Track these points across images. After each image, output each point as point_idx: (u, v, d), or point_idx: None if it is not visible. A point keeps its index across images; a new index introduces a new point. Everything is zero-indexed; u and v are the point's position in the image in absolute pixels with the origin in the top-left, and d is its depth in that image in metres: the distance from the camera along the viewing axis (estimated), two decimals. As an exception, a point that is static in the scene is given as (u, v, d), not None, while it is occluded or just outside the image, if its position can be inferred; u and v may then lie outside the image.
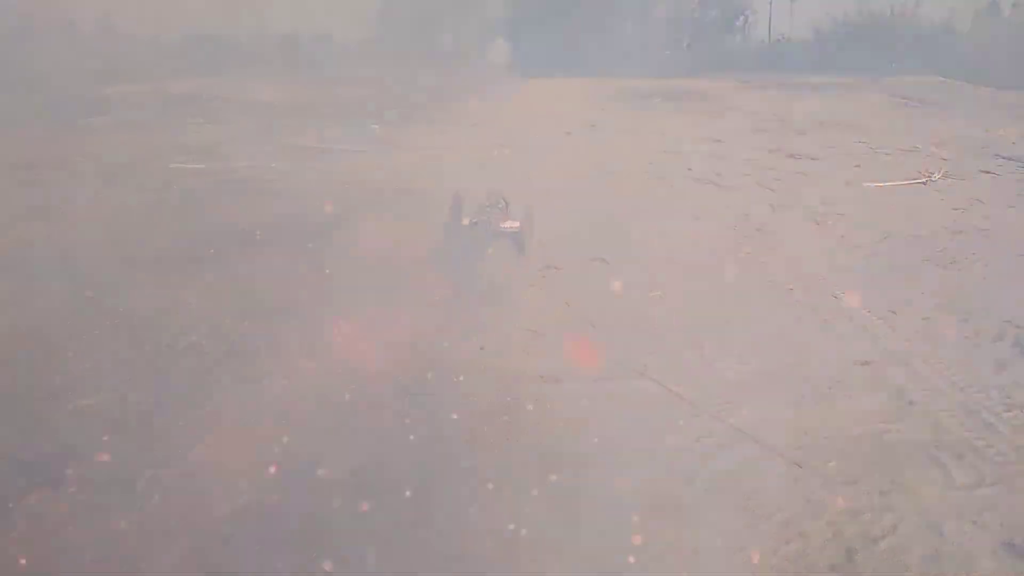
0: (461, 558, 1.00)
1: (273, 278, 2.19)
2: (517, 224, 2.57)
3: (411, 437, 1.30)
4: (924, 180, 3.76)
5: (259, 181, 3.59)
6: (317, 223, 2.79)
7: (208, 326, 1.79)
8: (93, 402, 1.43)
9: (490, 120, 7.72)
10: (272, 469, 1.20)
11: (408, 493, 1.14)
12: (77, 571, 1.01)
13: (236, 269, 2.26)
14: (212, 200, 3.22)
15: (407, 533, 1.05)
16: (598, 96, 12.02)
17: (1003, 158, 4.57)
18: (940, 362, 1.59)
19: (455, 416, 1.37)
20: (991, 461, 1.19)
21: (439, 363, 1.62)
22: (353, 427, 1.35)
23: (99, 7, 8.96)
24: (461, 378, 1.54)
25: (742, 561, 0.97)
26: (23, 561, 1.01)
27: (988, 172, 4.02)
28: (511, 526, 1.05)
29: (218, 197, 3.27)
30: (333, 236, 2.63)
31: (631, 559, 0.97)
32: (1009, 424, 1.31)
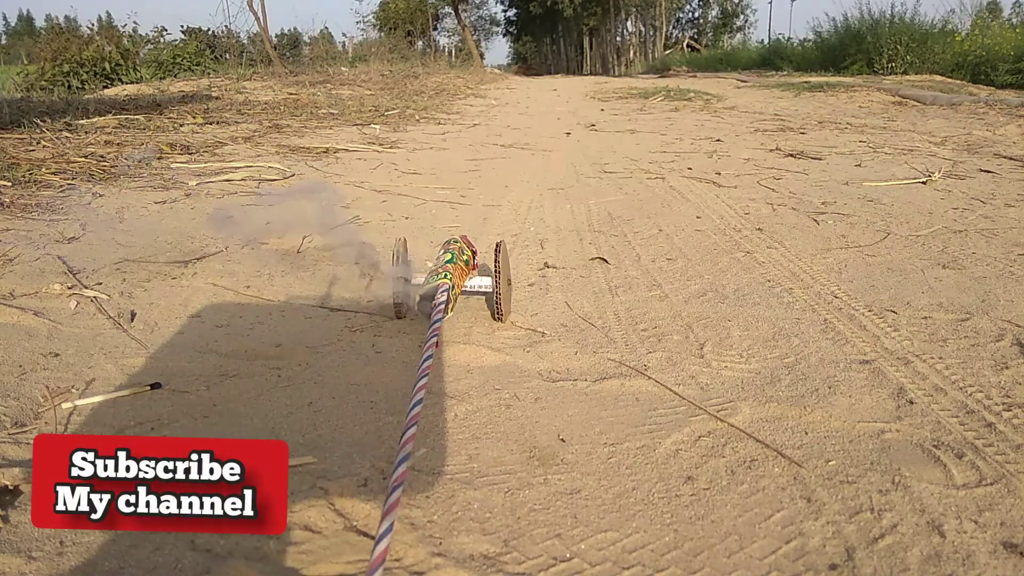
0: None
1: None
2: (488, 283, 1.81)
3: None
4: (924, 180, 3.77)
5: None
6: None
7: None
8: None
9: (490, 119, 7.74)
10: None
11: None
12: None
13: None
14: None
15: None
16: (598, 95, 12.02)
17: (1003, 158, 4.57)
18: (940, 362, 1.59)
19: (454, 413, 1.37)
20: (991, 461, 1.19)
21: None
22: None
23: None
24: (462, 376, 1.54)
25: (744, 558, 0.96)
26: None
27: (988, 172, 4.03)
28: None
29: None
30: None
31: (631, 556, 0.97)
32: (1009, 424, 1.31)
